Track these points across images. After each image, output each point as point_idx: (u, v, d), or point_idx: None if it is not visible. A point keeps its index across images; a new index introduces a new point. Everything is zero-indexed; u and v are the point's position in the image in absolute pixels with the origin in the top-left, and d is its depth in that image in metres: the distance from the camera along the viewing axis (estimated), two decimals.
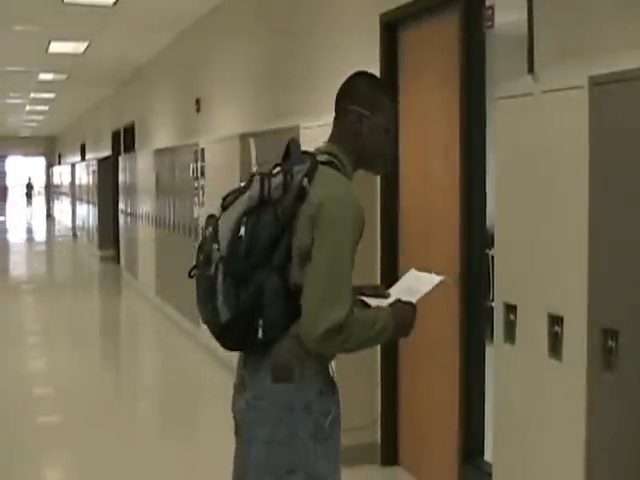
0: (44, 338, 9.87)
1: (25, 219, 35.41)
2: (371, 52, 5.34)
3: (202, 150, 8.65)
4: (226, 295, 2.49)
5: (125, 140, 16.66)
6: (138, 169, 12.95)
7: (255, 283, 2.47)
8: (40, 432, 6.23)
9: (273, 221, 2.50)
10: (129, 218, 14.05)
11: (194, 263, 2.65)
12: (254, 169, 6.84)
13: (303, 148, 2.78)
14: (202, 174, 8.63)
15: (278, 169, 2.63)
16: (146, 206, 12.13)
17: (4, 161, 41.28)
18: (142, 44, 12.34)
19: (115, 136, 18.00)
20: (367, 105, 2.72)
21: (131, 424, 6.50)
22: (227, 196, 2.76)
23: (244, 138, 7.17)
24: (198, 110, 10.34)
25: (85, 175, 20.75)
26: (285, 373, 2.52)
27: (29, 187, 38.03)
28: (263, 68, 7.90)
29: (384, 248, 5.26)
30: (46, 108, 23.12)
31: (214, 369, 7.86)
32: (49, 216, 35.80)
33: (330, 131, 2.82)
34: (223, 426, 6.26)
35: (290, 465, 2.52)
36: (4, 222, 34.23)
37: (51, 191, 36.16)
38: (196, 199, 8.85)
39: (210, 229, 2.63)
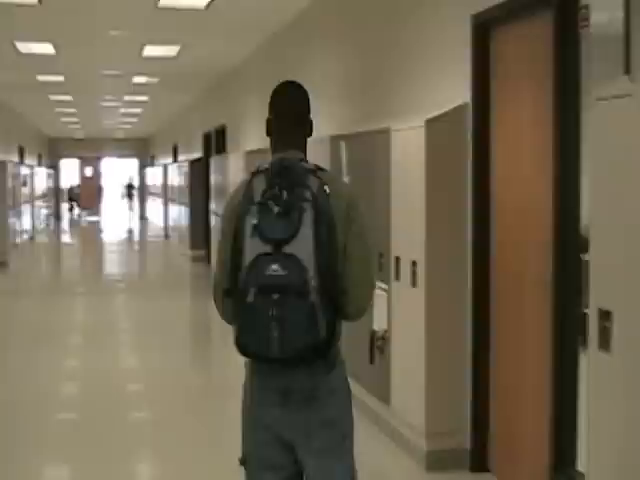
0: (136, 336, 10.04)
1: (121, 219, 36.07)
2: (462, 54, 5.28)
3: None
4: (324, 315, 2.78)
5: (216, 142, 16.83)
6: (229, 170, 13.07)
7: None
8: (131, 428, 6.34)
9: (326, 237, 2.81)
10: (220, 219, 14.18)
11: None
12: (344, 169, 6.85)
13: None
14: None
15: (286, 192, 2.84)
16: None
17: (99, 162, 42.13)
18: (233, 47, 12.46)
19: (206, 138, 18.21)
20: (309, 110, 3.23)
21: (218, 422, 6.56)
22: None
23: (335, 140, 7.17)
24: None
25: (177, 176, 21.05)
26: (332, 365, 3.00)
27: (130, 187, 38.76)
28: (354, 70, 7.90)
29: (475, 254, 5.20)
30: (139, 110, 23.54)
31: None
32: (142, 217, 36.43)
33: (287, 138, 3.12)
34: None
35: None
36: (99, 222, 34.96)
37: (144, 192, 36.79)
38: None
39: (281, 264, 2.76)
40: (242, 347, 2.84)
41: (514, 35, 4.94)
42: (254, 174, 2.92)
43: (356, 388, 6.58)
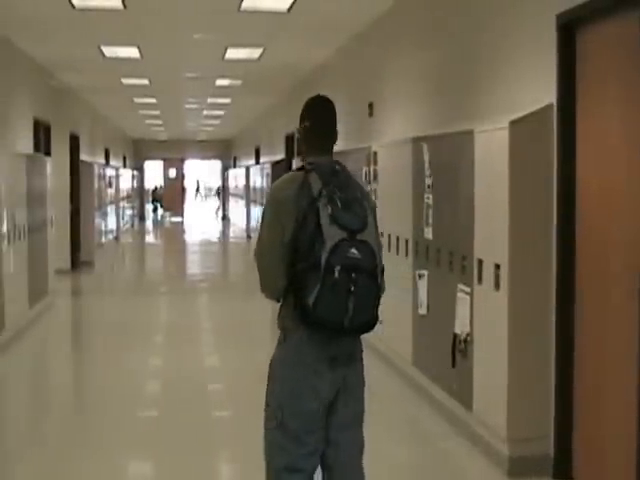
0: (218, 335, 10.14)
1: (204, 220, 36.50)
2: (547, 54, 5.20)
3: (375, 154, 8.67)
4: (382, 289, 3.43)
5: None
6: None
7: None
8: (213, 426, 6.40)
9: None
10: None
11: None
12: (427, 173, 6.81)
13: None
14: (375, 178, 8.64)
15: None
16: None
17: (183, 164, 42.68)
18: (315, 48, 12.49)
19: (288, 139, 18.28)
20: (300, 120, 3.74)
21: None
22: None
23: (417, 142, 7.13)
24: (371, 114, 10.38)
25: (259, 178, 21.19)
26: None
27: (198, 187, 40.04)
28: (436, 71, 7.85)
29: (560, 257, 5.12)
30: (222, 113, 23.76)
31: (385, 372, 7.87)
32: (224, 218, 36.80)
33: (326, 145, 3.70)
34: (390, 429, 6.25)
35: None
36: (182, 223, 35.43)
37: (226, 193, 37.16)
38: None
39: (357, 248, 3.29)
40: (316, 318, 3.26)
41: (600, 35, 4.85)
42: (308, 171, 3.42)
43: (436, 391, 6.55)
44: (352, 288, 3.22)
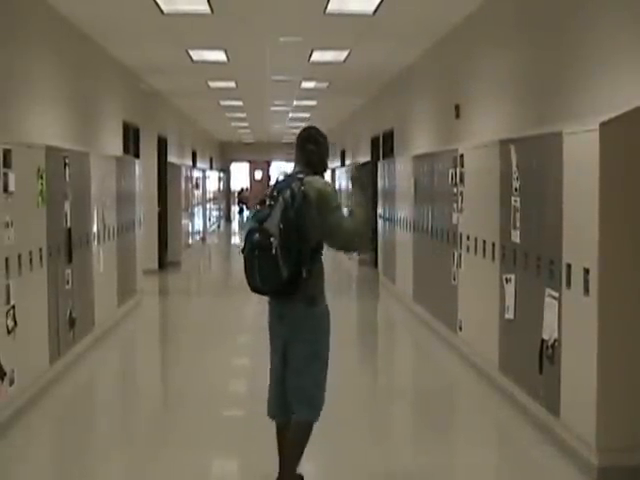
0: None
1: None
2: (638, 55, 5.08)
3: (461, 156, 8.59)
4: (284, 260, 4.49)
5: (384, 146, 16.87)
6: (397, 174, 13.07)
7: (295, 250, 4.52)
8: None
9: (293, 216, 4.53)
10: (387, 223, 14.21)
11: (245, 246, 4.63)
12: (514, 176, 6.72)
13: None
14: (461, 180, 8.56)
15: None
16: (404, 211, 12.22)
17: (268, 166, 43.02)
18: (400, 51, 12.45)
19: (374, 142, 18.26)
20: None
21: (383, 425, 6.56)
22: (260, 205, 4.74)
23: (504, 144, 7.04)
24: (457, 116, 10.30)
25: (345, 180, 21.21)
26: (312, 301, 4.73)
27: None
28: (524, 73, 7.75)
29: None
30: (307, 115, 23.86)
31: (469, 375, 7.80)
32: None
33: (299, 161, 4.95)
34: (475, 432, 6.18)
35: None
36: None
37: None
38: (455, 205, 8.80)
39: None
40: None
41: None
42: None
43: (523, 396, 6.46)
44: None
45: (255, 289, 4.70)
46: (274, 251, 4.46)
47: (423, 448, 6.02)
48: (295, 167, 4.93)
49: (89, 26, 10.46)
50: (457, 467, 5.69)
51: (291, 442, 4.75)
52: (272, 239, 4.49)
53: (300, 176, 4.74)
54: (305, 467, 5.10)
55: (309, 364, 4.72)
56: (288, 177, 4.80)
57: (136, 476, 5.47)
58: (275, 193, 4.66)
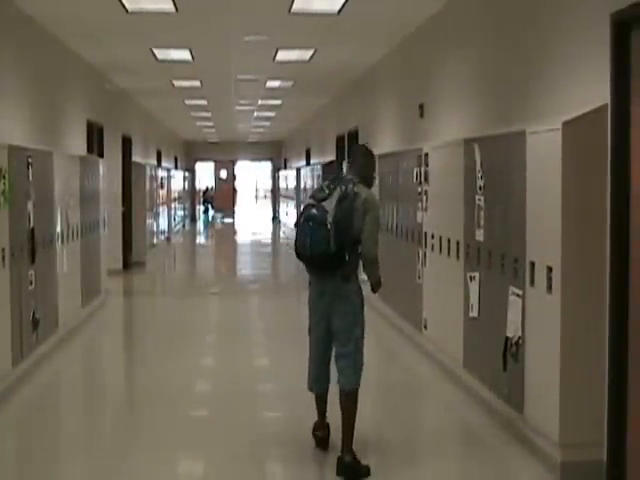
0: (267, 337, 10.16)
1: (254, 221, 36.68)
2: (601, 55, 5.13)
3: (426, 155, 8.63)
4: (334, 237, 5.27)
5: (349, 145, 16.89)
6: None
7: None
8: (260, 427, 6.40)
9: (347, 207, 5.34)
10: None
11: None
12: (479, 174, 6.76)
13: None
14: (426, 179, 8.61)
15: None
16: None
17: (234, 165, 42.93)
18: (365, 50, 12.48)
19: (339, 141, 18.29)
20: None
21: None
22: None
23: (468, 143, 7.09)
24: (422, 115, 10.34)
25: (310, 179, 21.23)
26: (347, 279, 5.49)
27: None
28: (487, 72, 7.79)
29: (614, 259, 5.04)
30: (272, 114, 23.83)
31: (433, 372, 7.84)
32: (275, 219, 36.92)
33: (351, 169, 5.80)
34: (440, 429, 6.20)
35: None
36: (233, 224, 35.62)
37: (277, 194, 37.29)
38: (420, 204, 8.84)
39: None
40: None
41: None
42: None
43: (487, 393, 6.51)
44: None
45: (302, 255, 5.46)
46: (328, 226, 5.25)
47: (386, 443, 6.04)
48: (347, 172, 5.79)
49: (53, 25, 10.38)
50: (421, 465, 5.71)
51: (345, 411, 5.43)
52: (328, 216, 5.27)
53: (354, 180, 5.52)
54: None
55: (350, 331, 5.48)
56: (341, 177, 5.58)
57: (100, 476, 5.44)
58: (332, 185, 5.44)
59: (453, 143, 7.70)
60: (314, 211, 5.35)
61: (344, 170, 5.77)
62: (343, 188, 5.36)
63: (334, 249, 5.25)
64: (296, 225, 5.51)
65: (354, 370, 5.46)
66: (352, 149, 5.71)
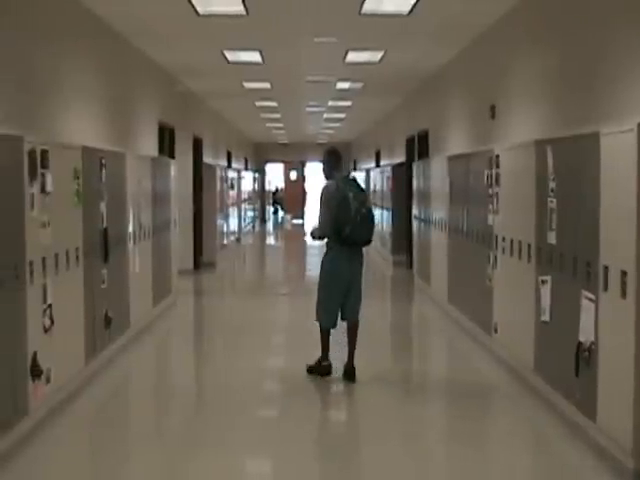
0: (335, 337, 10.14)
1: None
2: None
3: (497, 157, 8.54)
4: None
5: (419, 146, 16.82)
6: (432, 175, 13.02)
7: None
8: (328, 427, 6.40)
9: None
10: (422, 224, 14.16)
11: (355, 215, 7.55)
12: (551, 177, 6.67)
13: None
14: (497, 181, 8.52)
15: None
16: (439, 212, 12.17)
17: (303, 166, 43.04)
18: (436, 51, 12.41)
19: (409, 142, 18.21)
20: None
21: (416, 426, 6.53)
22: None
23: (540, 145, 6.99)
24: (493, 116, 10.24)
25: (379, 181, 21.17)
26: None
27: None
28: (560, 72, 7.69)
29: None
30: (342, 116, 23.84)
31: (504, 377, 7.75)
32: None
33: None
34: (510, 434, 6.12)
35: None
36: (303, 225, 35.70)
37: None
38: (490, 206, 8.75)
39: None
40: (348, 239, 7.63)
41: None
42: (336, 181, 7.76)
43: (558, 398, 6.41)
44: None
45: (354, 240, 7.64)
46: (371, 223, 7.71)
47: (456, 450, 5.99)
48: (340, 172, 7.92)
49: (125, 27, 10.53)
50: (491, 470, 5.65)
51: (354, 334, 7.89)
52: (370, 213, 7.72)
53: (354, 178, 7.89)
54: None
55: (361, 289, 7.97)
56: (346, 176, 7.87)
57: (167, 476, 5.48)
58: (351, 185, 7.69)
59: (525, 144, 7.61)
60: (364, 211, 7.58)
61: (343, 171, 8.06)
62: (357, 188, 7.73)
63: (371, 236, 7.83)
64: (347, 221, 7.54)
65: (359, 313, 7.92)
66: (333, 152, 8.00)
